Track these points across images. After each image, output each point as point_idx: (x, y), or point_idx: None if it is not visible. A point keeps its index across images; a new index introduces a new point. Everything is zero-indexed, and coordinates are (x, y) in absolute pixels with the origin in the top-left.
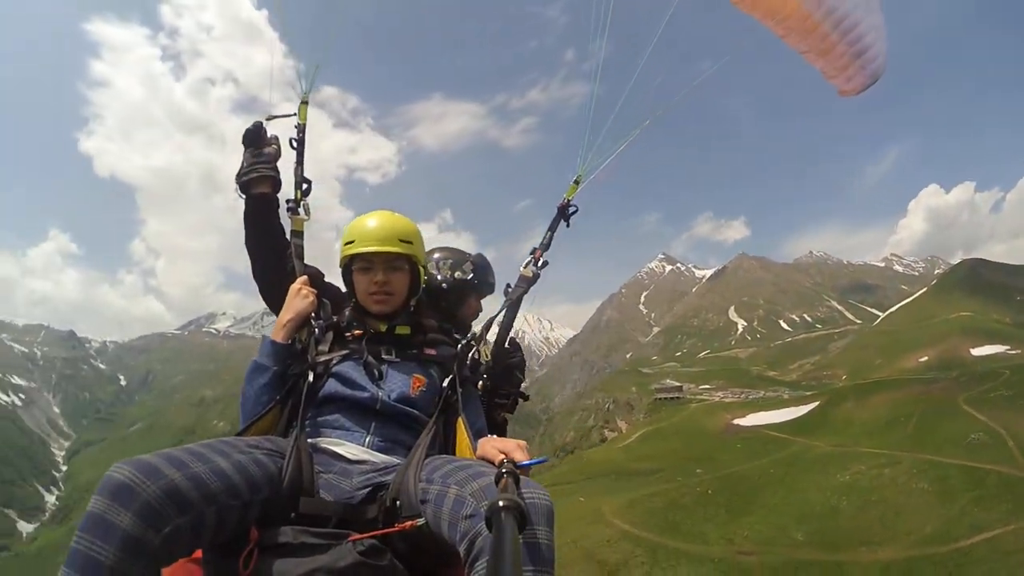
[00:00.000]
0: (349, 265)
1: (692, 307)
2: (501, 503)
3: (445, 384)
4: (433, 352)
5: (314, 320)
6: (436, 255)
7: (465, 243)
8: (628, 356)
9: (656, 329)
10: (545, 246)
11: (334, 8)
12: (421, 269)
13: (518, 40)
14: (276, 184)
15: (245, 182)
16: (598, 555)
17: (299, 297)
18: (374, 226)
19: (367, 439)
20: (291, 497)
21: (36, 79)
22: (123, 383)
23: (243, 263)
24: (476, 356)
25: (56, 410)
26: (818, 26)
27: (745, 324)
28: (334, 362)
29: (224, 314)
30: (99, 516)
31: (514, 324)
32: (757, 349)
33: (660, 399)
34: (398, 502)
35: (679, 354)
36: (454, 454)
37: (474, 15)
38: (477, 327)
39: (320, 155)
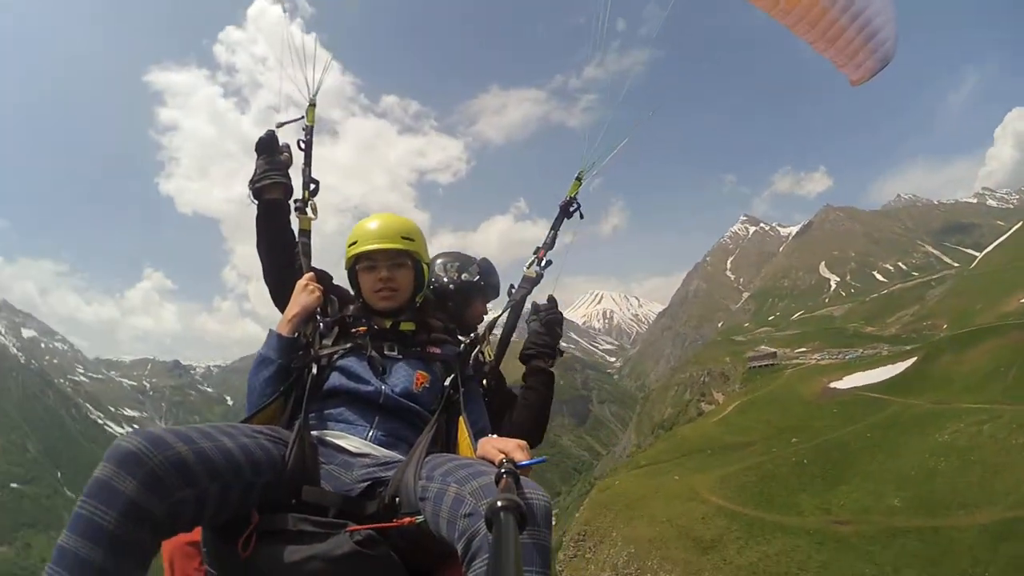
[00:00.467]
0: (354, 267)
1: (781, 268)
2: (501, 503)
3: (447, 382)
4: (437, 350)
5: (320, 315)
6: (441, 259)
7: (541, 229)
8: (720, 325)
9: (746, 295)
10: (549, 245)
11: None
12: (425, 267)
13: (564, 18)
14: (287, 190)
15: (258, 188)
16: (693, 532)
17: (305, 292)
18: (376, 226)
19: (370, 433)
20: (292, 484)
21: (110, 133)
22: (230, 403)
23: (330, 270)
24: (479, 356)
25: None
26: (827, 11)
27: (838, 280)
28: (338, 356)
29: None
30: (104, 482)
31: (517, 325)
32: (852, 305)
33: (754, 367)
34: (397, 499)
35: (772, 318)
36: (455, 452)
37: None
38: (482, 328)
39: (389, 163)
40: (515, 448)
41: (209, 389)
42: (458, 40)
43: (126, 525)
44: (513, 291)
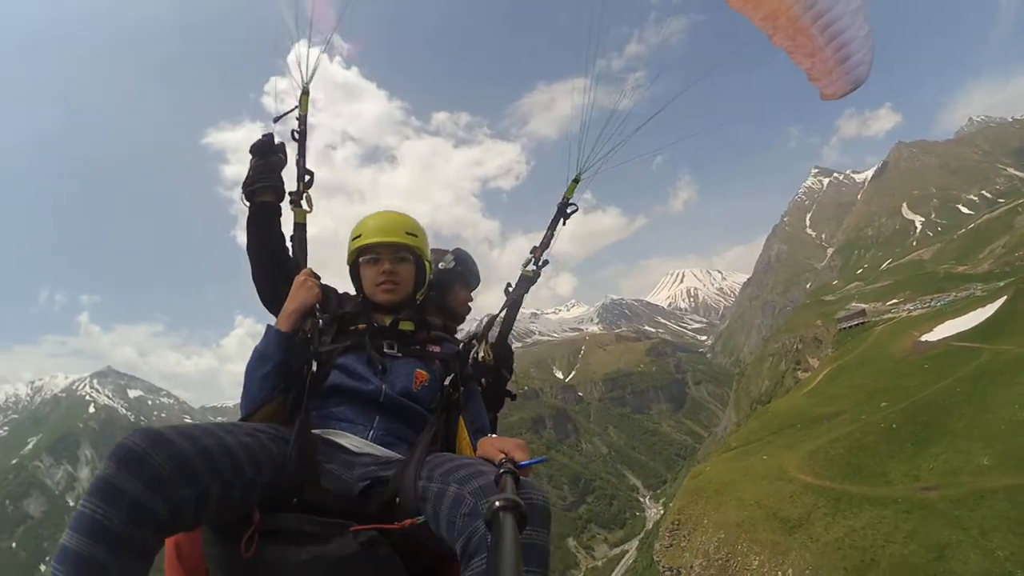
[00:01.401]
0: (356, 262)
1: (862, 216)
2: (501, 503)
3: (447, 382)
4: (437, 349)
5: (318, 311)
6: None
7: (612, 218)
8: (808, 287)
9: (830, 251)
10: (545, 245)
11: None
12: (427, 264)
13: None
14: (279, 193)
15: (251, 191)
16: (781, 512)
17: (304, 288)
18: (380, 220)
19: (370, 432)
20: (293, 483)
21: (182, 197)
22: None
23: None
24: (478, 355)
25: None
26: (807, 29)
27: (922, 220)
28: (337, 353)
29: None
30: (108, 482)
31: (514, 324)
32: (941, 244)
33: (844, 329)
34: (398, 499)
35: (860, 271)
36: (455, 452)
37: None
38: (473, 324)
39: (450, 178)
40: (515, 448)
41: None
42: (495, 44)
43: (129, 524)
44: (510, 290)
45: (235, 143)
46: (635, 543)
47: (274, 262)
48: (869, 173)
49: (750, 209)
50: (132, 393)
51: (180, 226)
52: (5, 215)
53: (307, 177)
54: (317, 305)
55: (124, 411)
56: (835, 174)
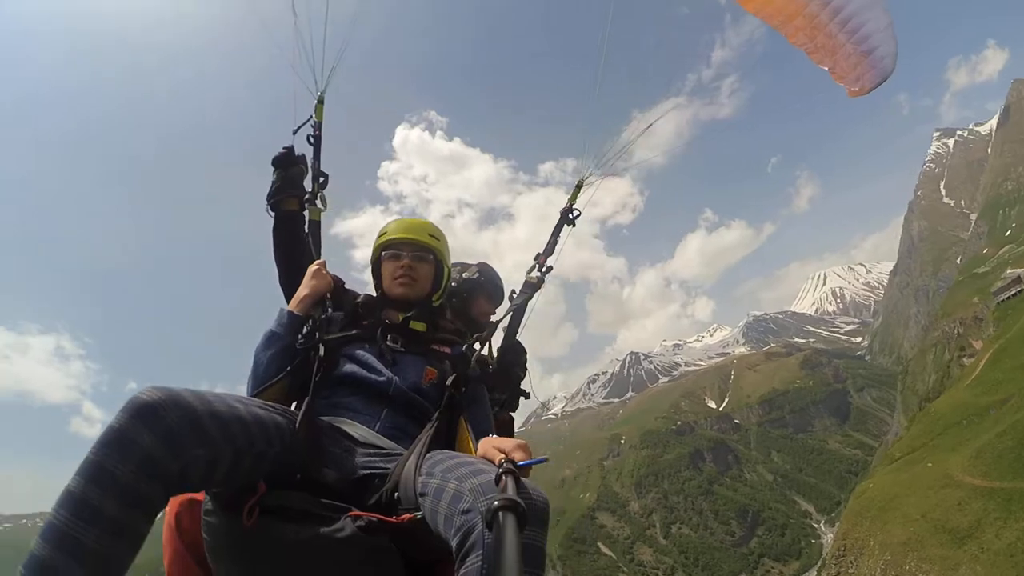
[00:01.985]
0: (379, 259)
1: (997, 170)
2: (502, 502)
3: (449, 382)
4: (447, 349)
5: (329, 300)
6: None
7: (738, 231)
8: (958, 262)
9: (973, 216)
10: (549, 251)
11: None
12: (446, 270)
13: (669, 14)
14: (302, 201)
15: (275, 202)
16: (949, 523)
17: (316, 276)
18: (404, 221)
19: (377, 424)
20: (298, 461)
21: None
22: None
23: (552, 345)
24: (482, 357)
25: None
26: (825, 26)
27: None
28: (347, 343)
29: (555, 398)
30: (120, 432)
31: (520, 329)
32: None
33: (1003, 301)
34: (397, 494)
35: (1008, 232)
36: (456, 451)
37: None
38: (485, 331)
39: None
40: (515, 448)
41: None
42: (577, 86)
43: (138, 477)
44: (515, 296)
45: (360, 228)
46: (812, 574)
47: (301, 268)
48: (993, 122)
49: (879, 191)
50: None
51: None
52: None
53: (321, 178)
54: (328, 294)
55: None
56: (958, 132)
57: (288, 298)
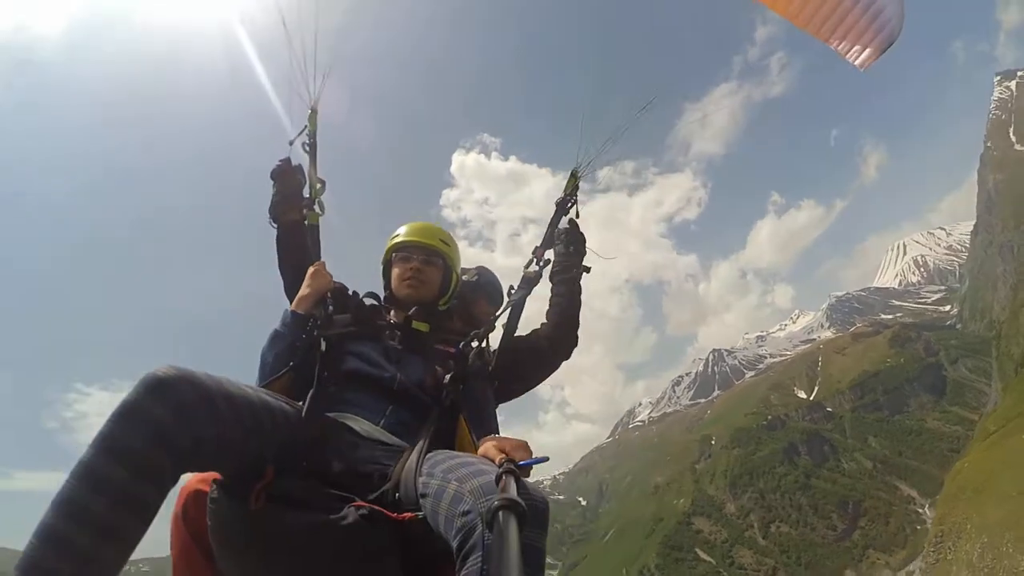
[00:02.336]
0: (390, 260)
1: None
2: (502, 503)
3: (446, 380)
4: (450, 349)
5: (330, 299)
6: None
7: (808, 211)
8: None
9: None
10: (547, 244)
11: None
12: (454, 276)
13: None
14: (303, 212)
15: (277, 214)
16: None
17: (317, 275)
18: (417, 225)
19: (382, 420)
20: (304, 450)
21: None
22: (584, 503)
23: (632, 352)
24: (481, 352)
25: None
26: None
27: None
28: (350, 339)
29: (640, 404)
30: (134, 405)
31: (517, 326)
32: None
33: None
34: (398, 494)
35: None
36: (456, 450)
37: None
38: (483, 327)
39: (635, 227)
40: (515, 447)
41: (560, 496)
42: (624, 85)
43: (152, 450)
44: (513, 292)
45: None
46: (919, 562)
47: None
48: None
49: (948, 147)
50: None
51: None
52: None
53: (318, 184)
54: (329, 293)
55: None
56: (1020, 73)
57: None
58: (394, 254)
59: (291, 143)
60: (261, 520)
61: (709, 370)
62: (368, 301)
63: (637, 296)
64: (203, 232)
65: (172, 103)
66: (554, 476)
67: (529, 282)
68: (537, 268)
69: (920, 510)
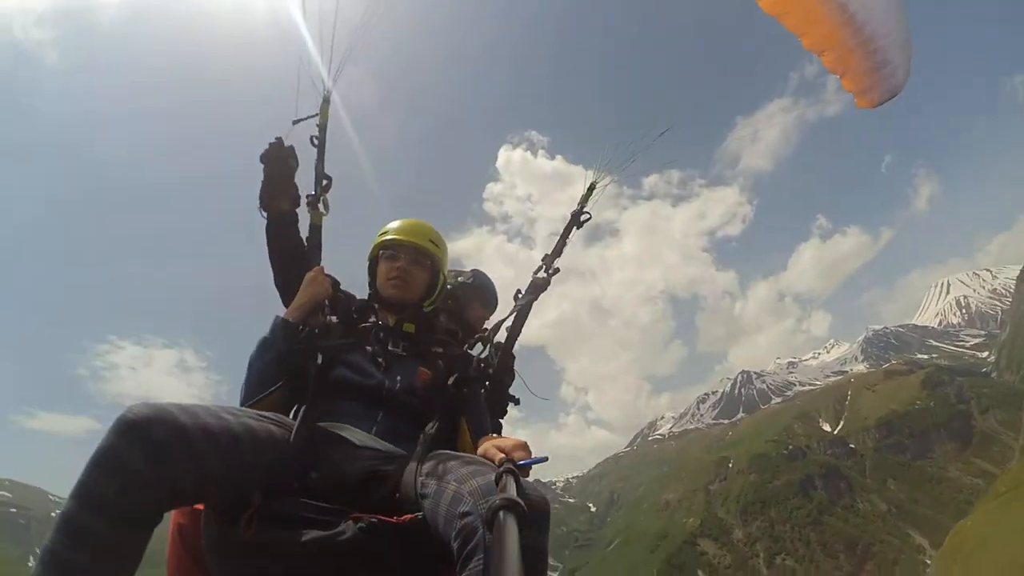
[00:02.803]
0: (376, 257)
1: None
2: (502, 503)
3: (451, 382)
4: (440, 350)
5: (327, 308)
6: None
7: (854, 238)
8: None
9: None
10: (557, 253)
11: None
12: (441, 277)
13: (755, 15)
14: (295, 200)
15: (265, 201)
16: None
17: (315, 283)
18: (407, 223)
19: (374, 428)
20: (295, 469)
21: None
22: (593, 509)
23: (660, 364)
24: (482, 358)
25: None
26: (842, 36)
27: None
28: (343, 349)
29: (663, 418)
30: (109, 452)
31: (521, 331)
32: None
33: None
34: (397, 495)
35: None
36: (456, 451)
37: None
38: (487, 331)
39: (675, 238)
40: (515, 447)
41: (571, 500)
42: (678, 95)
43: (129, 496)
44: (520, 296)
45: (468, 248)
46: None
47: (297, 269)
48: None
49: (1001, 186)
50: None
51: None
52: None
53: (324, 181)
54: (326, 301)
55: None
56: None
57: (284, 300)
58: (381, 251)
59: (295, 123)
60: (254, 547)
61: (736, 391)
62: (359, 304)
63: (671, 308)
64: (249, 201)
65: (223, 73)
66: (567, 479)
67: (537, 288)
68: (546, 275)
69: (928, 561)
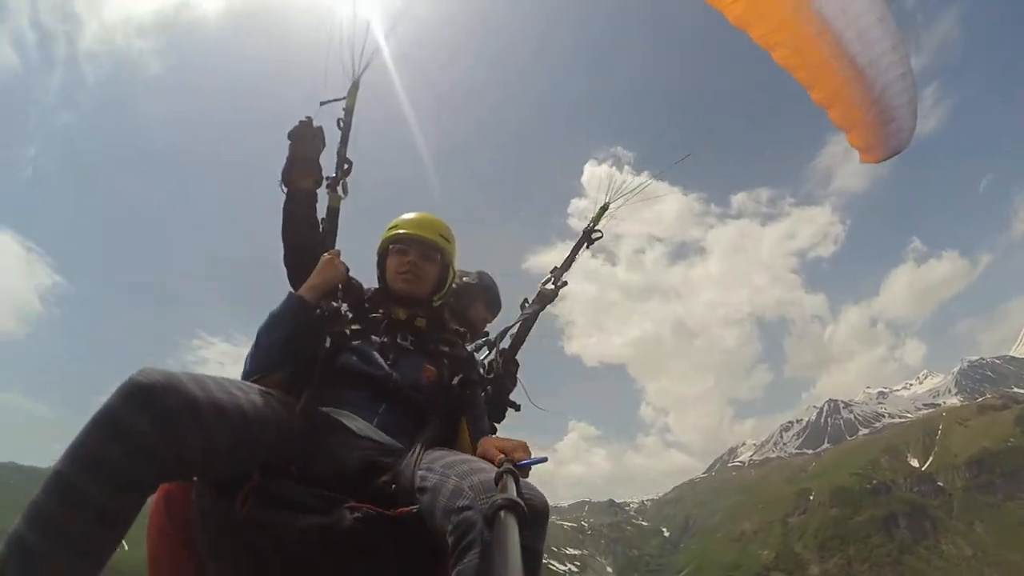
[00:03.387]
0: (386, 251)
1: None
2: (503, 502)
3: (455, 381)
4: (447, 349)
5: (340, 293)
6: None
7: (950, 263)
8: None
9: None
10: (566, 267)
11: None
12: (451, 272)
13: None
14: (317, 179)
15: (288, 177)
16: None
17: (330, 266)
18: (417, 217)
19: (376, 419)
20: (295, 451)
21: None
22: (666, 534)
23: (744, 388)
24: (487, 361)
25: (609, 570)
26: (849, 85)
27: None
28: (352, 337)
29: (744, 444)
30: (114, 414)
31: (526, 338)
32: None
33: None
34: (394, 486)
35: None
36: (456, 450)
37: None
38: (493, 335)
39: (763, 258)
40: (515, 448)
41: (644, 523)
42: (768, 110)
43: (131, 461)
44: (526, 305)
45: (553, 262)
46: None
47: (309, 248)
48: None
49: None
50: None
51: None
52: None
53: (346, 165)
54: (340, 286)
55: None
56: None
57: (290, 277)
58: (391, 245)
59: (323, 104)
60: (249, 527)
61: (822, 420)
62: (372, 295)
63: (758, 331)
64: (360, 212)
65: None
66: (642, 501)
67: (544, 299)
68: (553, 287)
69: None
